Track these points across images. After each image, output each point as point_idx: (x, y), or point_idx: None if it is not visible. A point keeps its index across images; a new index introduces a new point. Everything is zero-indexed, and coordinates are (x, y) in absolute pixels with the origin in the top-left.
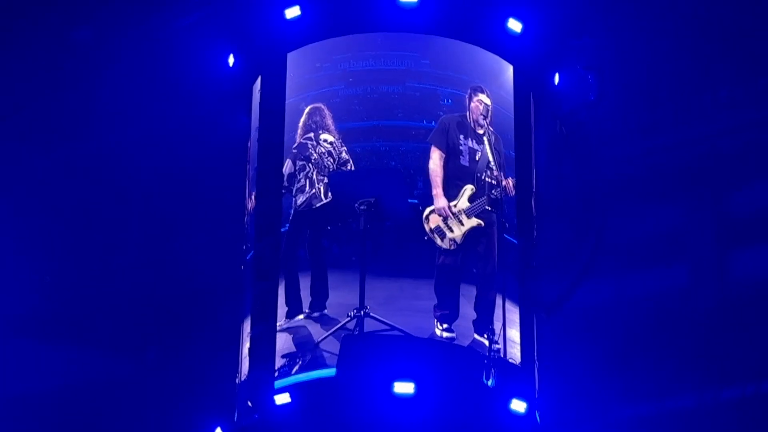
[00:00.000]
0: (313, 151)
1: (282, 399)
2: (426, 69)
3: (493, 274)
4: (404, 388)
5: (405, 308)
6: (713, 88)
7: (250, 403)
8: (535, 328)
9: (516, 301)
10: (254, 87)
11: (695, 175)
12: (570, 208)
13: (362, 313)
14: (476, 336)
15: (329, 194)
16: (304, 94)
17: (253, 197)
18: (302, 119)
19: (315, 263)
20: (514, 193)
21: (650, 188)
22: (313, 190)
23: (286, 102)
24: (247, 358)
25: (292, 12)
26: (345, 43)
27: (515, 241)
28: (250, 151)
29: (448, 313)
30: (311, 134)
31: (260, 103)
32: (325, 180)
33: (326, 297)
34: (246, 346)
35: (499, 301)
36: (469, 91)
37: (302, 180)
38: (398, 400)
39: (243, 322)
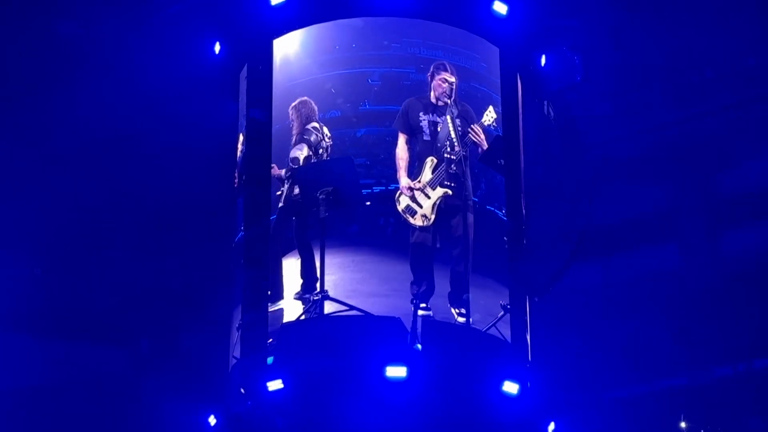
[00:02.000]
0: (321, 143)
1: (274, 385)
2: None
3: (467, 248)
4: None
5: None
6: (699, 67)
7: (242, 390)
8: (528, 309)
9: (506, 282)
10: (241, 74)
11: (683, 155)
12: (559, 189)
13: (321, 296)
14: (452, 309)
15: None
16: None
17: (241, 184)
18: (293, 106)
19: (303, 248)
20: (485, 146)
21: (639, 169)
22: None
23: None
24: (239, 345)
25: None
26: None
27: (504, 218)
28: (239, 138)
29: (424, 289)
30: (315, 123)
31: (247, 90)
32: None
33: (316, 280)
34: (237, 333)
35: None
36: (431, 68)
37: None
38: (389, 383)
39: (233, 310)
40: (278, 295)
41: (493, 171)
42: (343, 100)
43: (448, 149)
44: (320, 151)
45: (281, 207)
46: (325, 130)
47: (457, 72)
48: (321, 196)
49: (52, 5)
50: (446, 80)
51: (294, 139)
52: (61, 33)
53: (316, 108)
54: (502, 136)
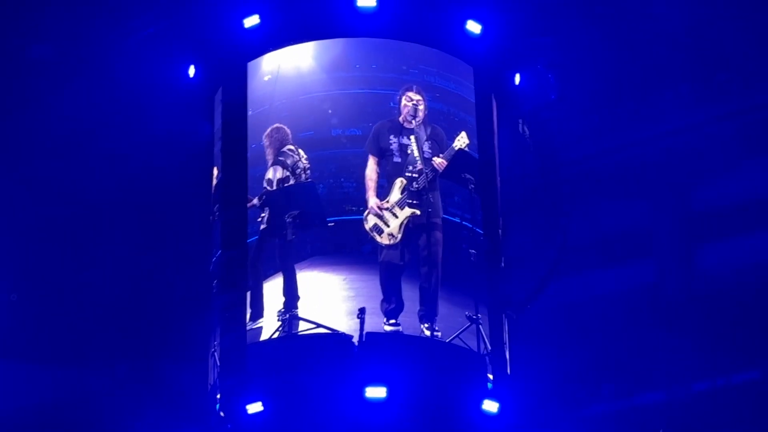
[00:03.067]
0: (298, 164)
1: (254, 408)
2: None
3: (435, 266)
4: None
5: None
6: (674, 84)
7: (222, 414)
8: (505, 326)
9: (485, 300)
10: (216, 97)
11: (659, 171)
12: (535, 207)
13: (288, 315)
14: (422, 326)
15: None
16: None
17: (217, 206)
18: (267, 134)
19: (290, 267)
20: (441, 169)
21: (614, 186)
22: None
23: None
24: (218, 368)
25: (251, 21)
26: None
27: (476, 230)
28: (214, 161)
29: (393, 307)
30: (291, 146)
31: (222, 113)
32: None
33: (297, 299)
34: (216, 356)
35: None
36: (401, 90)
37: (305, 182)
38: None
39: (211, 333)
40: (259, 314)
41: (458, 186)
42: (364, 121)
43: (410, 168)
44: (297, 171)
45: (263, 229)
46: (301, 152)
47: (466, 106)
48: (288, 220)
49: (24, 29)
50: (411, 99)
51: (269, 164)
52: (34, 56)
53: (289, 132)
54: (467, 152)
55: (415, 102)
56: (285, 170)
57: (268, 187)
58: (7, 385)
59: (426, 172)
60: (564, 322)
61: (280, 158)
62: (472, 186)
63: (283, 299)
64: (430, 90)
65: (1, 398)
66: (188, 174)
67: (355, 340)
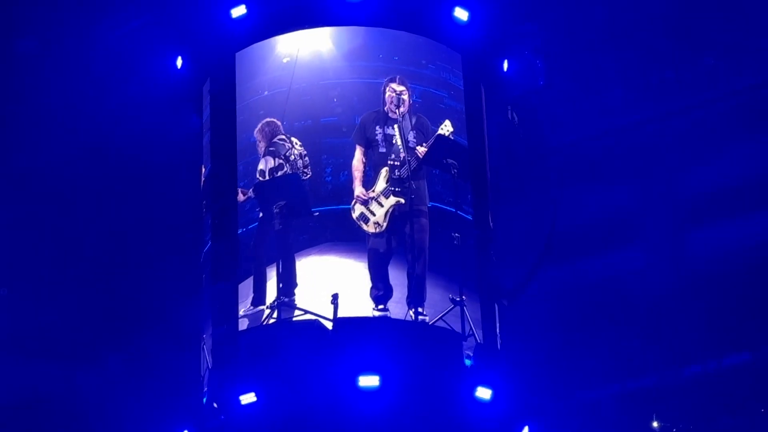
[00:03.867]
0: (291, 151)
1: (247, 399)
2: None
3: (422, 252)
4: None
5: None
6: (660, 69)
7: (215, 405)
8: (497, 314)
9: (474, 286)
10: (204, 88)
11: (647, 156)
12: (525, 194)
13: (276, 303)
14: (410, 311)
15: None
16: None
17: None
18: (258, 129)
19: (289, 254)
20: (421, 157)
21: (603, 171)
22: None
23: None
24: (210, 359)
25: (238, 11)
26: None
27: (470, 218)
28: (203, 152)
29: (382, 293)
30: (283, 136)
31: (210, 104)
32: None
33: (294, 286)
34: (208, 347)
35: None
36: (384, 81)
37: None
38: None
39: (203, 324)
40: (261, 300)
41: (442, 172)
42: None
43: (393, 157)
44: (292, 159)
45: (262, 217)
46: (294, 140)
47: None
48: (276, 210)
49: (9, 23)
50: (394, 90)
51: (261, 155)
52: (20, 50)
53: (280, 124)
54: (448, 138)
55: (398, 92)
56: (277, 159)
57: (260, 178)
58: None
59: (409, 161)
60: (555, 309)
61: (271, 149)
62: (455, 171)
63: (279, 286)
64: (445, 88)
65: None
66: (177, 165)
67: (330, 325)
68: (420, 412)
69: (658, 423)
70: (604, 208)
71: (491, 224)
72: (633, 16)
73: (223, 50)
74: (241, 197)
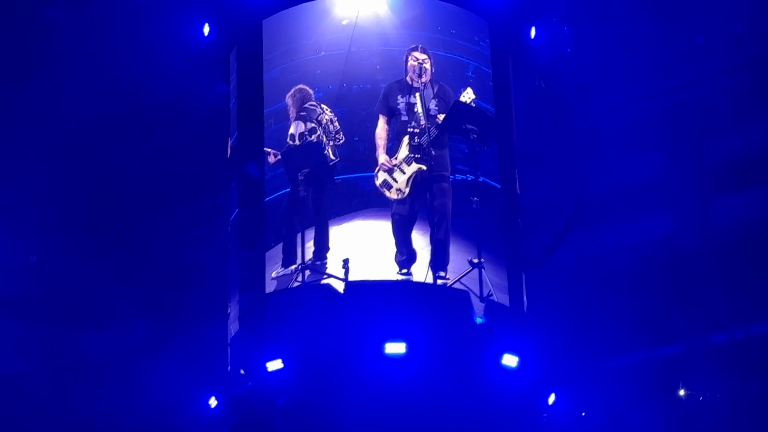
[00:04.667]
0: (322, 116)
1: (274, 365)
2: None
3: (445, 217)
4: None
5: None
6: (689, 35)
7: (242, 371)
8: (523, 281)
9: (503, 254)
10: (231, 55)
11: (674, 123)
12: (552, 161)
13: (301, 266)
14: (432, 273)
15: (337, 155)
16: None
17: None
18: (290, 94)
19: (322, 217)
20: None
21: (631, 138)
22: (325, 152)
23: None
24: (237, 326)
25: None
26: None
27: (497, 186)
28: (231, 119)
29: (405, 258)
30: (313, 102)
31: (237, 71)
32: (331, 143)
33: (328, 249)
34: (234, 314)
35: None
36: (407, 50)
37: (314, 141)
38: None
39: (230, 291)
40: (291, 261)
41: (461, 136)
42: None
43: (413, 124)
44: (324, 122)
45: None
46: (324, 106)
47: None
48: (300, 177)
49: None
50: (416, 59)
51: (292, 120)
52: (47, 17)
53: (311, 92)
54: (466, 103)
55: (420, 61)
56: (309, 123)
57: (290, 142)
58: (29, 346)
59: (429, 129)
60: (582, 275)
61: (302, 113)
62: (475, 136)
63: (311, 250)
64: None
65: (22, 358)
66: (204, 132)
67: (341, 288)
68: (445, 378)
69: (684, 391)
70: (631, 175)
71: (518, 191)
72: None
73: (251, 17)
74: (272, 159)
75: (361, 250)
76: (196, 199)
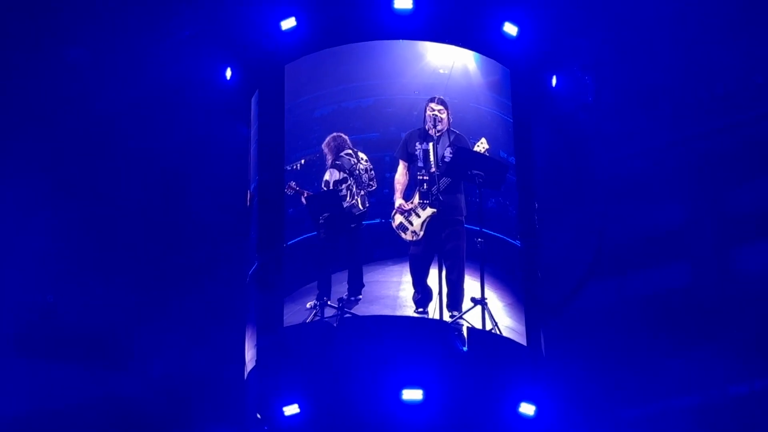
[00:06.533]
0: (357, 166)
1: (291, 410)
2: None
3: (458, 260)
4: None
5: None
6: (709, 84)
7: (259, 416)
8: (541, 329)
9: (521, 301)
10: (253, 99)
11: (694, 173)
12: (571, 209)
13: (318, 303)
14: (446, 313)
15: (366, 204)
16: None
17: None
18: (325, 143)
19: (354, 259)
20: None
21: (650, 188)
22: (353, 201)
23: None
24: (255, 370)
25: (288, 23)
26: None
27: (496, 234)
28: (251, 164)
29: (420, 297)
30: (350, 151)
31: (258, 116)
32: (362, 192)
33: (362, 286)
34: (251, 357)
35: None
36: (426, 100)
37: (343, 191)
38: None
39: (247, 334)
40: (326, 296)
41: (470, 184)
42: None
43: (423, 171)
44: (356, 173)
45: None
46: (361, 154)
47: None
48: (321, 221)
49: (59, 32)
50: (432, 109)
51: (327, 167)
52: (70, 59)
53: (347, 139)
54: (468, 149)
55: (436, 112)
56: (341, 172)
57: (324, 188)
58: (45, 385)
59: (437, 176)
60: (600, 325)
61: (338, 162)
62: (480, 180)
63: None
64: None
65: (37, 397)
66: (225, 176)
67: (335, 323)
68: (461, 420)
69: None
70: (651, 224)
71: (537, 238)
72: (681, 32)
73: (273, 62)
74: (291, 190)
75: (389, 290)
76: (216, 242)
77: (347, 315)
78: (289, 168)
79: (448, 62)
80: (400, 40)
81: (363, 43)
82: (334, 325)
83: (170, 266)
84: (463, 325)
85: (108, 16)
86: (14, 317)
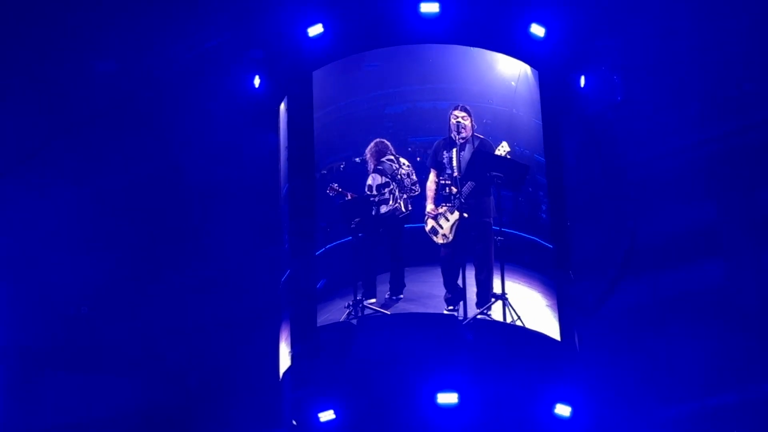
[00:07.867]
0: (398, 171)
1: (326, 416)
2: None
3: (487, 260)
4: None
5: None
6: (738, 82)
7: (294, 422)
8: (575, 329)
9: (555, 300)
10: (281, 107)
11: (725, 170)
12: (602, 210)
13: (352, 303)
14: (476, 310)
15: (409, 207)
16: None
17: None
18: (368, 148)
19: (396, 260)
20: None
21: (681, 187)
22: (396, 204)
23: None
24: (288, 374)
25: (315, 30)
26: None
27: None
28: (281, 171)
29: (451, 296)
30: (392, 156)
31: (287, 123)
32: (404, 196)
33: (403, 286)
34: (286, 365)
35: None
36: (451, 109)
37: (386, 194)
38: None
39: (281, 337)
40: (371, 295)
41: (487, 183)
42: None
43: (445, 176)
44: (398, 178)
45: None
46: (402, 160)
47: None
48: (353, 226)
49: (87, 44)
50: (456, 117)
51: (370, 172)
52: (98, 71)
53: (389, 145)
54: (484, 152)
55: (459, 119)
56: (384, 177)
57: (368, 192)
58: (79, 397)
59: (460, 180)
60: (634, 324)
61: (379, 167)
62: (500, 182)
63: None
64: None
65: (72, 409)
66: (254, 185)
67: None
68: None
69: None
70: (683, 224)
71: (569, 237)
72: (710, 29)
73: (300, 69)
74: (333, 191)
75: (431, 289)
76: (247, 251)
77: (380, 313)
78: (324, 172)
79: (516, 73)
80: (473, 48)
81: (440, 45)
82: (370, 322)
83: (203, 276)
84: (490, 319)
85: (136, 27)
86: (50, 330)
